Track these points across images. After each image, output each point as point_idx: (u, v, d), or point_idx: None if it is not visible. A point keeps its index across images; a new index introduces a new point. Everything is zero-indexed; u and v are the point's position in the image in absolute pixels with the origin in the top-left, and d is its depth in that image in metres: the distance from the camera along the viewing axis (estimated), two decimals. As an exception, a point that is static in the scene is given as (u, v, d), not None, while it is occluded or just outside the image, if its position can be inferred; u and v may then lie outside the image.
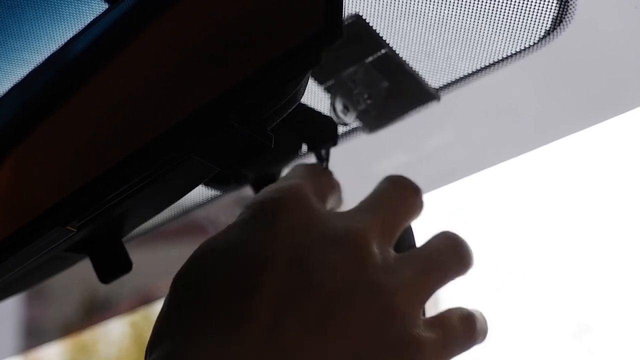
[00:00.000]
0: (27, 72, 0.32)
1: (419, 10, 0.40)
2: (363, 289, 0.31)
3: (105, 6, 0.31)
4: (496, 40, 0.42)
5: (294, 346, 0.29)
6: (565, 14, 0.40)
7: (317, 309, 0.30)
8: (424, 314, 0.34)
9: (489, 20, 0.40)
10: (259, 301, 0.29)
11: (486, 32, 0.41)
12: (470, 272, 0.36)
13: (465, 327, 0.34)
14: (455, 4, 0.40)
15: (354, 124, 0.44)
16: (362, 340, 0.30)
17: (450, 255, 0.35)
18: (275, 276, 0.30)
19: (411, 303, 0.32)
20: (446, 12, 0.40)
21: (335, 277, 0.31)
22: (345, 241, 0.32)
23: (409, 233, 0.37)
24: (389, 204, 0.35)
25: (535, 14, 0.40)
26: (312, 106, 0.42)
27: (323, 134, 0.42)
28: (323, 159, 0.41)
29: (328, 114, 0.41)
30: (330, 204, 0.37)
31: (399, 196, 0.36)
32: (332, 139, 0.42)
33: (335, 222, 0.33)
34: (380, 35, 0.42)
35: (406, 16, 0.41)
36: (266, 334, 0.29)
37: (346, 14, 0.41)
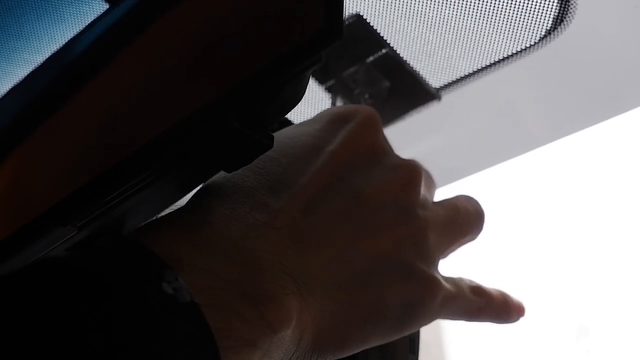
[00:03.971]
0: (28, 72, 0.32)
1: (419, 10, 0.40)
2: (402, 210, 0.32)
3: (106, 6, 0.31)
4: (497, 40, 0.42)
5: (320, 233, 0.30)
6: (566, 14, 0.40)
7: (352, 214, 0.31)
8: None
9: (489, 20, 0.40)
10: (306, 183, 0.31)
11: (487, 32, 0.41)
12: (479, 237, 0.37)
13: (475, 295, 0.34)
14: (456, 4, 0.40)
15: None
16: (384, 255, 0.31)
17: (475, 217, 0.36)
18: (327, 170, 0.31)
19: (439, 242, 0.33)
20: (447, 11, 0.40)
21: (382, 193, 0.32)
22: (401, 168, 0.33)
23: None
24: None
25: (535, 13, 0.40)
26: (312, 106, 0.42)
27: None
28: None
29: None
30: None
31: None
32: None
33: (395, 154, 0.34)
34: (381, 34, 0.42)
35: (407, 16, 0.41)
36: (301, 213, 0.30)
37: (347, 14, 0.41)
